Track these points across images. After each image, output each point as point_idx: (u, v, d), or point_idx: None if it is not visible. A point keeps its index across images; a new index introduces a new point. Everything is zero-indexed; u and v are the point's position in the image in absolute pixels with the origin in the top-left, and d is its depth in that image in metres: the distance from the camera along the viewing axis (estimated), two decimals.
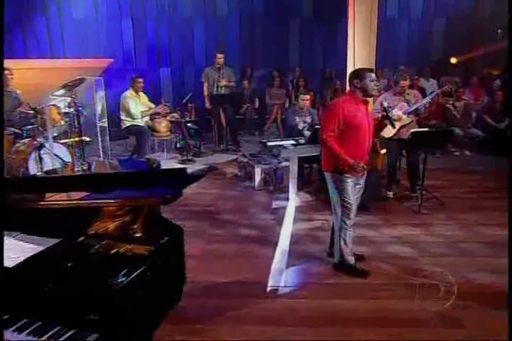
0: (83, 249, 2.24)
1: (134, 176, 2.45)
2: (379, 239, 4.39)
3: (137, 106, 6.32)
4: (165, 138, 6.42)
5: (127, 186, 2.36)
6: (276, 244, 4.30)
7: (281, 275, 3.72)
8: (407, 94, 5.53)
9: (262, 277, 3.68)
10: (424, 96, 7.62)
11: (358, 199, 3.78)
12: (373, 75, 3.44)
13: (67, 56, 9.35)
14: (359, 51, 6.34)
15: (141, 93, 6.44)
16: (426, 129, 5.35)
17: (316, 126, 5.67)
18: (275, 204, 5.41)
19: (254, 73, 10.08)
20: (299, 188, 5.75)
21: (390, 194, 5.59)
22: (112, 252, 2.26)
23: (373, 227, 4.67)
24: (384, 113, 3.58)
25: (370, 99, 5.39)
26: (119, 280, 1.93)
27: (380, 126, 3.76)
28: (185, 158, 6.57)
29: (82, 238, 2.36)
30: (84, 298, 1.83)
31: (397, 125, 5.45)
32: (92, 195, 2.36)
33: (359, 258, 3.92)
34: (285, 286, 3.56)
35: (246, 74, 9.39)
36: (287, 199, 5.48)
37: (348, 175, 3.53)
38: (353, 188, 3.61)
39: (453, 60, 9.35)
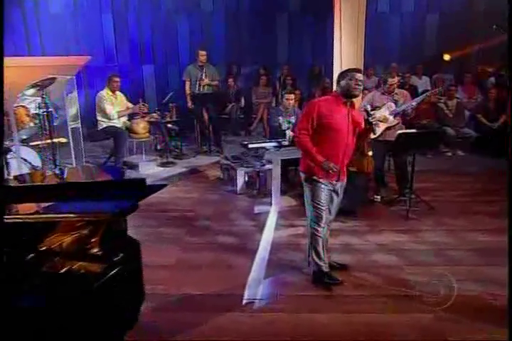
0: (31, 268, 2.13)
1: (88, 187, 2.33)
2: (363, 247, 4.30)
3: (113, 106, 6.19)
4: (143, 139, 6.29)
5: (80, 198, 2.25)
6: (255, 252, 4.20)
7: (258, 287, 3.62)
8: (396, 93, 5.44)
9: (239, 289, 3.58)
10: (414, 95, 7.61)
11: (336, 208, 3.69)
12: (357, 75, 3.34)
13: (45, 53, 9.19)
14: (346, 49, 6.25)
15: (117, 92, 6.30)
16: (413, 130, 5.25)
17: None
18: (257, 209, 5.31)
19: (241, 71, 9.98)
20: (283, 192, 5.66)
21: (378, 198, 5.51)
22: (63, 271, 2.15)
23: (358, 234, 4.58)
24: (365, 116, 3.47)
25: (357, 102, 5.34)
26: (63, 303, 1.82)
27: (366, 131, 3.62)
28: (165, 160, 6.45)
29: (31, 255, 2.24)
30: (20, 324, 1.72)
31: (383, 126, 5.38)
32: (42, 207, 2.25)
33: (341, 267, 3.84)
34: (261, 299, 3.46)
35: (231, 72, 9.27)
36: (270, 203, 5.38)
37: (321, 179, 3.45)
38: (327, 194, 3.52)
39: (446, 57, 9.28)
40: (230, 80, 8.66)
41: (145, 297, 2.49)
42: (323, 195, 3.49)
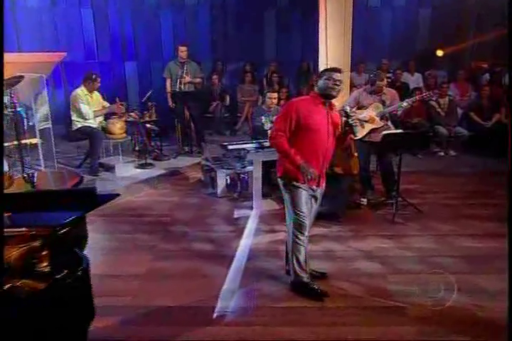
0: None
1: (35, 197, 2.20)
2: (346, 254, 4.19)
3: (89, 105, 6.05)
4: (120, 140, 6.15)
5: (24, 208, 2.12)
6: (232, 260, 4.08)
7: (232, 297, 3.50)
8: (384, 93, 5.33)
9: (212, 300, 3.46)
10: (405, 93, 7.52)
11: (314, 213, 3.59)
12: (335, 75, 3.24)
13: (21, 50, 9.00)
14: (332, 45, 6.14)
15: (96, 92, 6.16)
16: (399, 131, 5.15)
17: None
18: (237, 213, 5.19)
19: (227, 68, 9.85)
20: (265, 195, 5.54)
21: (364, 201, 5.40)
22: (5, 288, 2.01)
23: (341, 240, 4.47)
24: (345, 118, 3.34)
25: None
26: None
27: (345, 133, 3.48)
28: (143, 161, 6.32)
29: None
30: None
31: (369, 127, 5.28)
32: None
33: (320, 276, 3.73)
34: (235, 311, 3.35)
35: (216, 69, 9.14)
36: (251, 207, 5.27)
37: (302, 184, 3.34)
38: (308, 199, 3.41)
39: (439, 53, 9.18)
40: (215, 77, 8.53)
41: (94, 314, 2.34)
42: (304, 201, 3.38)
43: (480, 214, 5.08)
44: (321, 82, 3.25)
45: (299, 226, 3.40)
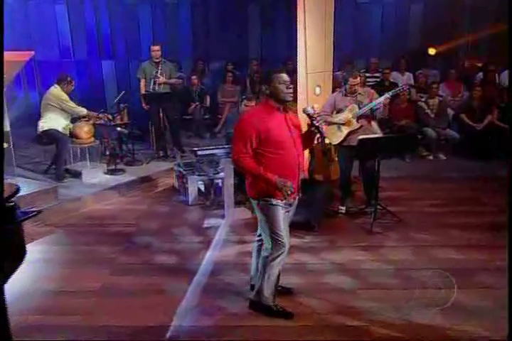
0: None
1: None
2: (317, 267, 4.10)
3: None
4: (87, 144, 6.04)
5: None
6: (194, 274, 3.98)
7: (189, 316, 3.40)
8: (360, 93, 5.24)
9: (167, 318, 3.35)
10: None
11: (287, 228, 3.39)
12: (284, 76, 3.09)
13: None
14: (312, 43, 6.01)
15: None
16: (375, 136, 5.07)
17: None
18: (207, 222, 5.09)
19: (209, 67, 9.76)
20: (238, 203, 5.44)
21: (343, 209, 5.31)
22: None
23: (314, 251, 4.38)
24: (308, 121, 3.20)
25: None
26: None
27: (308, 137, 3.32)
28: (113, 167, 6.21)
29: None
30: None
31: (346, 130, 5.19)
32: None
33: (286, 292, 3.63)
34: (191, 331, 3.24)
35: (197, 69, 9.04)
36: (224, 216, 5.17)
37: (277, 200, 3.15)
38: (286, 217, 3.25)
39: (431, 51, 9.10)
40: (194, 77, 8.42)
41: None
42: (282, 220, 3.20)
43: (465, 223, 4.99)
44: (273, 87, 3.07)
45: (277, 247, 3.23)
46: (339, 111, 5.28)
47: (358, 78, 5.24)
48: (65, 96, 5.92)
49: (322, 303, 3.53)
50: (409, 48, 9.59)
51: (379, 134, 7.12)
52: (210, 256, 4.29)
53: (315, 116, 3.14)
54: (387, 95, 5.13)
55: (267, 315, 3.36)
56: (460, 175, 6.64)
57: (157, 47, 6.97)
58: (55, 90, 5.91)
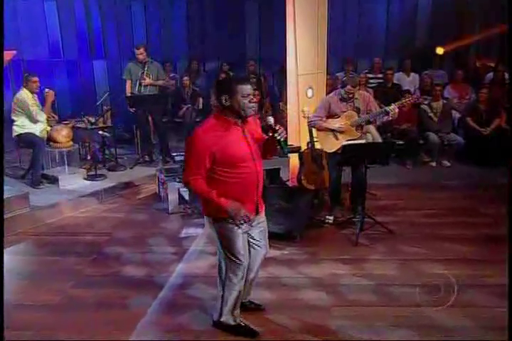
0: None
1: None
2: (292, 281, 4.03)
3: (38, 108, 5.98)
4: (66, 148, 6.06)
5: None
6: (162, 287, 3.95)
7: (148, 332, 3.37)
8: (356, 98, 5.16)
9: (125, 335, 3.33)
10: (396, 96, 7.34)
11: (266, 245, 3.33)
12: (248, 88, 2.88)
13: None
14: (303, 43, 5.99)
15: (35, 95, 6.08)
16: (359, 141, 5.00)
17: None
18: (185, 232, 5.07)
19: (205, 67, 9.77)
20: None
21: (330, 218, 5.24)
22: None
23: (291, 264, 4.32)
24: (270, 133, 3.08)
25: None
26: None
27: (267, 146, 3.12)
28: (93, 172, 6.21)
29: None
30: None
31: (343, 138, 5.12)
32: None
33: (255, 308, 3.58)
34: None
35: (189, 69, 9.05)
36: (203, 225, 5.13)
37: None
38: (245, 237, 3.12)
39: (439, 51, 8.99)
40: (185, 78, 8.42)
41: None
42: (241, 241, 3.08)
43: (459, 235, 4.89)
44: (234, 101, 2.86)
45: (233, 269, 3.14)
46: (333, 115, 5.21)
47: (357, 87, 5.15)
48: (30, 102, 5.92)
49: (291, 321, 3.46)
50: (416, 47, 9.49)
51: (378, 140, 7.14)
52: (180, 269, 4.26)
53: (276, 128, 2.94)
54: (394, 106, 4.91)
55: (231, 333, 3.31)
56: (462, 182, 6.54)
57: (141, 51, 6.95)
58: (20, 95, 5.92)
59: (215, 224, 3.08)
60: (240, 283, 3.20)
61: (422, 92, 8.11)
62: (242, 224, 2.96)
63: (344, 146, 4.77)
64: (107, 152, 6.68)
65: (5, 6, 8.88)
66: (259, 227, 3.24)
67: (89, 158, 6.39)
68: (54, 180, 5.96)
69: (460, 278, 4.01)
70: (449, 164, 7.32)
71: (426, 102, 7.58)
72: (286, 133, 3.26)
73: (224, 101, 2.89)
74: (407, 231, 5.00)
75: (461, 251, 4.55)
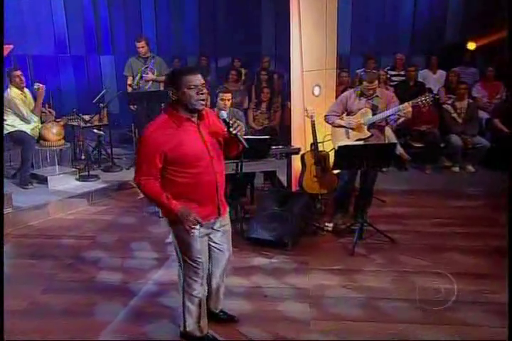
0: None
1: None
2: (275, 292, 3.99)
3: (27, 105, 6.11)
4: (57, 147, 6.16)
5: None
6: (135, 294, 3.97)
7: None
8: (377, 96, 5.09)
9: None
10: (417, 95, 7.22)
11: (229, 249, 3.33)
12: (194, 79, 2.83)
13: None
14: (310, 36, 5.97)
15: (25, 90, 6.22)
16: (356, 143, 4.92)
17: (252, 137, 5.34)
18: (171, 237, 5.07)
19: (219, 63, 9.82)
20: None
21: (330, 225, 5.18)
22: None
23: (278, 274, 4.28)
24: (226, 129, 2.97)
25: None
26: None
27: (229, 144, 3.11)
28: (86, 173, 6.30)
29: None
30: None
31: (355, 136, 5.08)
32: None
33: (228, 319, 3.56)
34: None
35: (199, 66, 9.10)
36: None
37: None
38: (203, 240, 3.11)
39: (471, 46, 8.79)
40: None
41: None
42: (198, 245, 3.06)
43: (468, 247, 4.77)
44: (181, 94, 2.83)
45: (191, 274, 3.13)
46: (350, 113, 5.17)
47: (376, 82, 5.06)
48: (19, 101, 6.04)
49: (264, 334, 3.44)
50: (446, 42, 9.33)
51: (395, 141, 7.02)
52: (159, 276, 4.27)
53: (231, 122, 2.92)
54: (407, 104, 4.82)
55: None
56: (485, 190, 6.37)
57: (142, 44, 7.06)
58: (8, 94, 6.02)
59: (172, 226, 3.09)
60: (200, 289, 3.18)
61: (447, 91, 7.94)
62: (192, 229, 2.94)
63: (338, 148, 4.70)
64: (102, 151, 6.78)
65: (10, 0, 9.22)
66: (222, 230, 3.23)
67: (83, 157, 6.48)
68: (43, 180, 6.07)
69: (460, 293, 3.92)
70: (473, 169, 7.14)
71: (449, 102, 7.43)
72: (244, 128, 3.19)
73: (171, 94, 2.89)
74: (412, 241, 4.91)
75: (467, 264, 4.43)
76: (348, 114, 5.21)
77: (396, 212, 5.69)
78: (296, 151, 5.54)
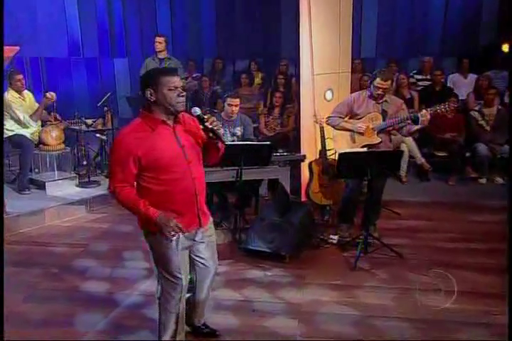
0: None
1: None
2: (265, 306, 3.97)
3: (25, 109, 6.27)
4: (56, 151, 6.30)
5: None
6: (118, 305, 4.01)
7: None
8: (386, 101, 5.06)
9: None
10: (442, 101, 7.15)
11: (215, 262, 3.32)
12: (175, 80, 2.86)
13: None
14: (322, 37, 5.98)
15: (25, 92, 6.37)
16: (359, 150, 4.89)
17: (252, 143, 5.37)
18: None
19: (236, 66, 9.91)
20: (216, 225, 5.46)
21: (334, 238, 5.13)
22: None
23: (271, 287, 4.26)
24: (201, 125, 2.93)
25: None
26: None
27: (208, 146, 3.09)
28: (86, 179, 6.41)
29: None
30: None
31: (363, 141, 5.06)
32: None
33: (209, 333, 3.56)
34: None
35: (214, 69, 9.20)
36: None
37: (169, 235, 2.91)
38: (184, 253, 3.09)
39: (505, 48, 8.65)
40: (205, 79, 8.58)
41: None
42: (179, 258, 3.04)
43: (481, 264, 4.66)
44: (161, 95, 2.83)
45: (169, 288, 3.10)
46: (355, 116, 5.14)
47: (388, 82, 5.01)
48: (16, 104, 6.19)
49: None
50: (478, 44, 9.21)
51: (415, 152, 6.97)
52: (146, 286, 4.29)
53: (205, 117, 2.91)
54: (425, 111, 4.75)
55: None
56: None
57: (160, 39, 7.17)
58: (6, 97, 6.15)
59: (149, 238, 3.06)
60: (178, 305, 3.16)
61: (477, 96, 7.82)
62: (173, 236, 2.89)
63: (340, 155, 4.67)
64: (106, 157, 6.88)
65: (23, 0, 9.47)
66: (206, 242, 3.20)
67: (84, 163, 6.60)
68: (42, 186, 6.20)
69: (466, 313, 3.84)
70: (502, 181, 6.99)
71: (477, 108, 7.31)
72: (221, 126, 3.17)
73: (149, 95, 2.86)
74: (421, 256, 4.82)
75: (477, 282, 4.33)
76: (351, 118, 5.19)
77: (409, 225, 5.62)
78: (301, 159, 5.52)
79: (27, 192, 6.12)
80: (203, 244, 3.19)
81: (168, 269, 3.05)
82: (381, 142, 5.04)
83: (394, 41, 9.51)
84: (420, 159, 7.04)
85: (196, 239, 3.13)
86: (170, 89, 2.84)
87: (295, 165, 5.86)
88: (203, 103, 8.52)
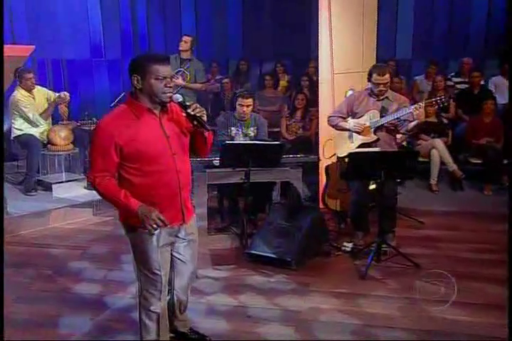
0: None
1: None
2: (261, 313, 3.98)
3: (34, 108, 6.49)
4: (64, 152, 6.49)
5: None
6: (107, 307, 4.10)
7: None
8: (387, 97, 5.08)
9: None
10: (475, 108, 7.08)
11: (193, 261, 3.37)
12: (164, 69, 2.87)
13: (15, 42, 9.85)
14: (343, 35, 6.04)
15: (35, 91, 6.56)
16: (370, 150, 4.88)
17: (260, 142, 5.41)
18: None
19: (263, 68, 10.01)
20: (220, 230, 5.60)
21: (348, 246, 5.10)
22: None
23: (271, 294, 4.27)
24: (184, 113, 2.95)
25: None
26: None
27: (195, 137, 3.13)
28: None
29: None
30: None
31: (359, 140, 5.08)
32: None
33: (199, 338, 3.58)
34: None
35: (238, 71, 9.32)
36: None
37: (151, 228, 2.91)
38: (166, 251, 3.14)
39: None
40: (226, 81, 8.68)
41: None
42: (159, 255, 3.08)
43: (500, 275, 4.53)
44: (147, 84, 2.86)
45: (148, 287, 3.14)
46: (355, 114, 5.17)
47: (387, 75, 5.01)
48: (25, 103, 6.40)
49: None
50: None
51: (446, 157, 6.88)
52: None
53: (188, 104, 2.95)
54: (420, 104, 4.84)
55: None
56: None
57: (188, 38, 7.21)
58: (15, 95, 6.40)
59: (129, 234, 3.12)
60: (158, 304, 3.18)
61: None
62: (155, 229, 2.91)
63: (350, 154, 4.67)
64: None
65: (44, 1, 9.78)
66: (187, 240, 3.24)
67: None
68: (49, 188, 6.37)
69: (476, 327, 3.78)
70: None
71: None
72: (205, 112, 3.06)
73: (136, 82, 2.91)
74: (438, 266, 4.69)
75: (492, 294, 4.23)
76: (353, 117, 5.21)
77: (431, 234, 5.57)
78: (315, 161, 5.54)
79: (33, 194, 6.31)
80: (185, 241, 3.24)
81: (149, 267, 3.08)
82: (378, 140, 5.03)
83: (432, 42, 9.44)
84: (452, 166, 6.94)
85: (179, 235, 3.18)
86: (157, 79, 2.86)
87: (312, 170, 5.89)
88: (223, 105, 8.63)
